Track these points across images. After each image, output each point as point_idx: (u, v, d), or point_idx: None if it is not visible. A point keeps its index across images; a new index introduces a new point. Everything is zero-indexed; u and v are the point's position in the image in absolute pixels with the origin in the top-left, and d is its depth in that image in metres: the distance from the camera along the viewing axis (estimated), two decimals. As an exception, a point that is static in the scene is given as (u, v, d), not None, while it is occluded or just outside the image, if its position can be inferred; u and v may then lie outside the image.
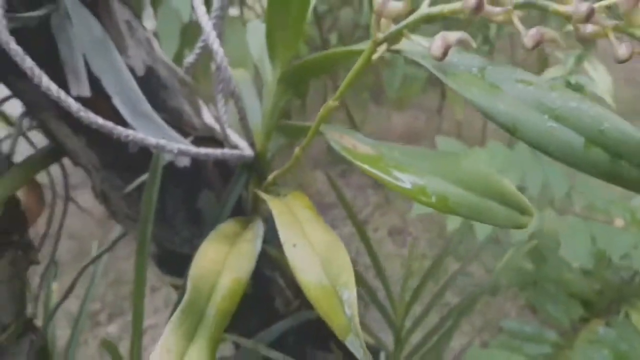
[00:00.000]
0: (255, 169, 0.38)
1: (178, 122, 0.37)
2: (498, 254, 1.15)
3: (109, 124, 0.29)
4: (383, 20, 0.23)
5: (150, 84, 0.35)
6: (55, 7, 0.30)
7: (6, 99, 0.38)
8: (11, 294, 0.36)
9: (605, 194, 0.87)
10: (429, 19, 0.23)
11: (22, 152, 0.38)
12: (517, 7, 0.21)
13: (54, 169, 0.40)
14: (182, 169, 0.38)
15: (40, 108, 0.33)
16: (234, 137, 0.38)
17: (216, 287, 0.26)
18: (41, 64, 0.28)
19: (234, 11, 1.64)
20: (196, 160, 0.38)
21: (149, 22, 1.18)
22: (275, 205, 0.29)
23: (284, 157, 0.37)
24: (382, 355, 0.46)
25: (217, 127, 0.40)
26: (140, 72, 0.35)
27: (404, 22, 0.23)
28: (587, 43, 0.22)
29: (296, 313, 0.43)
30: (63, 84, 0.31)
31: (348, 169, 1.84)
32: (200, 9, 0.33)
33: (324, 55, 0.31)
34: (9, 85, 0.33)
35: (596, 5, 0.20)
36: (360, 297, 0.49)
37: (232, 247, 0.30)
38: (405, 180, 0.23)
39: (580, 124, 0.20)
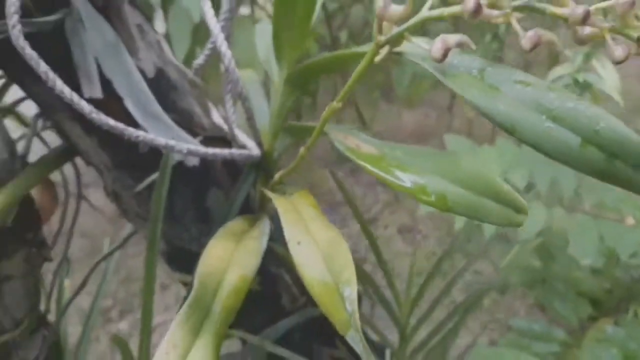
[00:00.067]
0: (262, 168, 0.39)
1: (188, 123, 0.38)
2: (507, 252, 1.15)
3: (120, 125, 0.30)
4: (385, 24, 0.24)
5: (161, 85, 0.36)
6: (69, 12, 0.31)
7: (21, 100, 0.40)
8: (25, 290, 0.37)
9: (615, 192, 0.87)
10: (429, 22, 0.23)
11: (37, 151, 0.39)
12: (516, 9, 0.22)
13: (67, 168, 0.42)
14: (192, 168, 0.39)
15: (54, 110, 0.35)
16: (242, 137, 0.39)
17: (222, 284, 0.27)
18: (55, 67, 0.29)
19: (245, 10, 1.65)
20: (205, 160, 0.39)
21: (160, 22, 1.19)
22: (280, 203, 0.29)
23: (292, 156, 0.38)
24: (388, 353, 0.46)
25: (226, 127, 0.41)
26: (151, 74, 0.35)
27: (405, 25, 0.23)
28: (584, 44, 0.22)
29: (302, 310, 0.43)
30: (76, 86, 0.32)
31: (357, 167, 1.85)
32: (209, 12, 0.34)
33: (329, 57, 0.31)
34: (24, 87, 0.35)
35: (592, 7, 0.21)
36: (367, 295, 0.49)
37: (238, 244, 0.31)
38: (406, 179, 0.23)
39: (576, 124, 0.21)
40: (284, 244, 0.28)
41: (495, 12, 0.22)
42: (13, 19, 0.27)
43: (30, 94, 0.35)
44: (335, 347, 0.47)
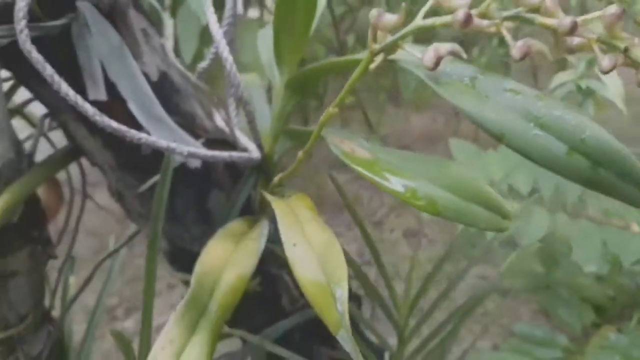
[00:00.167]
0: (263, 170, 0.39)
1: (190, 125, 0.39)
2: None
3: (123, 128, 0.31)
4: (379, 32, 0.25)
5: (164, 88, 0.37)
6: (76, 16, 0.32)
7: (29, 101, 0.41)
8: (30, 287, 0.38)
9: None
10: (422, 31, 0.24)
11: (43, 151, 0.40)
12: (506, 19, 0.22)
13: (73, 168, 0.43)
14: (194, 170, 0.40)
15: (59, 111, 0.35)
16: (243, 139, 0.40)
17: (219, 283, 0.28)
18: (61, 70, 0.30)
19: (254, 13, 1.66)
20: (207, 162, 0.40)
21: (169, 23, 1.21)
22: (278, 205, 0.30)
23: (295, 159, 0.38)
24: (387, 355, 0.47)
25: (228, 130, 0.42)
26: (155, 77, 0.36)
27: (399, 34, 0.24)
28: (573, 53, 0.22)
29: (302, 310, 0.44)
30: (81, 89, 0.33)
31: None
32: (212, 17, 0.35)
33: (326, 64, 0.32)
34: (30, 89, 0.36)
35: (579, 19, 0.21)
36: (369, 297, 0.50)
37: (237, 245, 0.31)
38: (398, 183, 0.24)
39: (563, 132, 0.21)
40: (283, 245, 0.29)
41: (485, 22, 0.22)
42: (21, 23, 0.27)
43: (37, 96, 0.36)
44: (335, 347, 0.48)
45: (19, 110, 0.41)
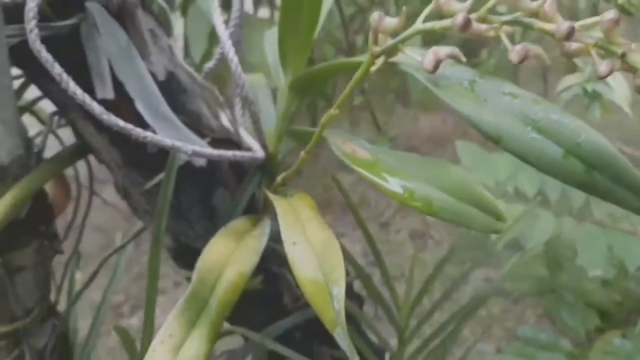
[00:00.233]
0: (267, 170, 0.40)
1: (196, 124, 0.39)
2: (518, 261, 1.14)
3: (129, 126, 0.31)
4: (380, 35, 0.25)
5: (171, 88, 0.38)
6: (85, 17, 0.32)
7: (39, 98, 0.41)
8: (36, 281, 0.39)
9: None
10: (422, 34, 0.24)
11: (52, 148, 0.41)
12: (505, 24, 0.23)
13: (81, 165, 0.43)
14: (199, 168, 0.40)
15: (68, 109, 0.36)
16: (248, 139, 0.40)
17: (220, 280, 0.28)
18: (70, 69, 0.31)
19: (264, 13, 1.67)
20: (212, 161, 0.40)
21: (179, 23, 1.21)
22: (280, 204, 0.30)
23: (297, 159, 0.39)
24: (387, 356, 0.47)
25: (233, 129, 0.42)
26: (162, 77, 0.37)
27: (399, 37, 0.24)
28: (572, 58, 0.22)
29: (304, 309, 0.44)
30: (89, 87, 0.34)
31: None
32: (218, 19, 0.35)
33: (329, 65, 0.32)
34: (40, 87, 0.36)
35: (577, 24, 0.21)
36: (371, 298, 0.50)
37: (239, 242, 0.32)
38: (396, 184, 0.24)
39: (559, 136, 0.21)
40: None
41: (484, 26, 0.23)
42: (31, 23, 0.28)
43: (46, 94, 0.36)
44: (336, 347, 0.48)
45: (29, 108, 0.41)
